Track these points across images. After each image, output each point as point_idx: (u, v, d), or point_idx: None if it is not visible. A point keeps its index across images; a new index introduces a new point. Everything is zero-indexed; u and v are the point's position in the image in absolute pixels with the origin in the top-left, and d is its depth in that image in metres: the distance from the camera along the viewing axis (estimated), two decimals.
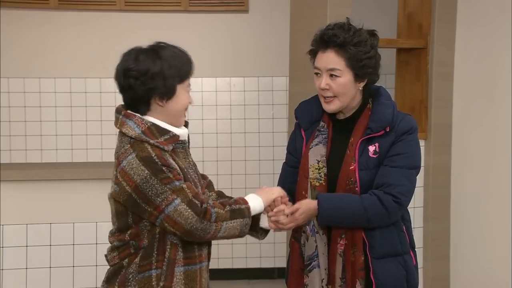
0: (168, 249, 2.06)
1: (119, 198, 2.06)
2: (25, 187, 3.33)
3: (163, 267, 2.05)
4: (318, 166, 2.30)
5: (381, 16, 4.66)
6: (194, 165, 2.24)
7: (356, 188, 2.24)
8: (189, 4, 5.05)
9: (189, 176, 2.12)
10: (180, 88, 2.09)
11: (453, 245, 3.69)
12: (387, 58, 4.16)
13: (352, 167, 2.24)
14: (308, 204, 2.24)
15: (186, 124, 2.19)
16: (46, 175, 3.39)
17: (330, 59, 2.24)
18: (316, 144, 2.34)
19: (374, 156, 2.25)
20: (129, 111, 2.09)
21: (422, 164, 3.62)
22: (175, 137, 2.09)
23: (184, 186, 2.03)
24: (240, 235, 2.14)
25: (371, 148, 2.25)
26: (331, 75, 2.25)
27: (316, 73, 2.30)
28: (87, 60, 4.94)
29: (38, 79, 4.98)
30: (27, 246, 3.33)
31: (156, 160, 2.01)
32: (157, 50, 2.07)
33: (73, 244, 3.36)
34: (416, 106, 3.73)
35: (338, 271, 2.28)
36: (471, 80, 3.56)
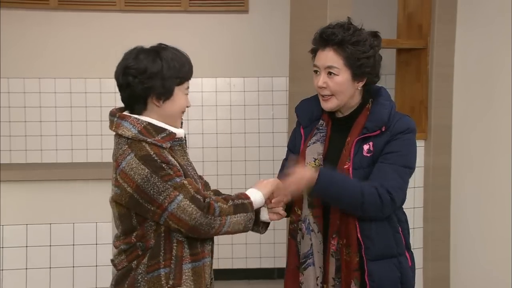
0: (174, 247, 2.07)
1: (121, 201, 2.06)
2: (25, 187, 3.33)
3: (171, 266, 2.05)
4: (315, 164, 2.30)
5: (381, 16, 4.66)
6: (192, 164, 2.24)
7: None
8: (189, 5, 5.05)
9: (189, 173, 2.12)
10: (178, 90, 2.09)
11: (453, 246, 3.69)
12: (387, 59, 4.15)
13: (347, 166, 2.25)
14: (305, 171, 2.22)
15: (181, 125, 2.20)
16: (46, 175, 3.39)
17: (328, 57, 2.25)
18: (314, 142, 2.34)
19: (368, 155, 2.25)
20: (123, 113, 2.10)
21: (422, 164, 3.64)
22: (172, 134, 2.09)
23: (185, 182, 2.03)
24: (245, 230, 2.14)
25: (365, 147, 2.26)
26: (329, 73, 2.26)
27: (315, 71, 2.31)
28: (87, 60, 4.94)
29: (38, 79, 4.98)
30: (27, 246, 3.32)
31: (155, 158, 2.01)
32: (158, 50, 2.08)
33: (73, 245, 3.36)
34: (416, 106, 3.73)
35: (331, 271, 2.28)
36: (471, 81, 3.56)
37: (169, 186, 2.00)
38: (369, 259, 2.24)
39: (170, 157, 2.05)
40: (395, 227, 2.30)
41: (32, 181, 3.35)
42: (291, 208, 2.39)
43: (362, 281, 2.25)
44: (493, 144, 3.41)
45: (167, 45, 2.12)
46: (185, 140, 2.22)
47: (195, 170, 2.24)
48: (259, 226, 2.28)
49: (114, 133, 2.11)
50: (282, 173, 2.45)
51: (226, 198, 2.13)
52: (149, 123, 2.07)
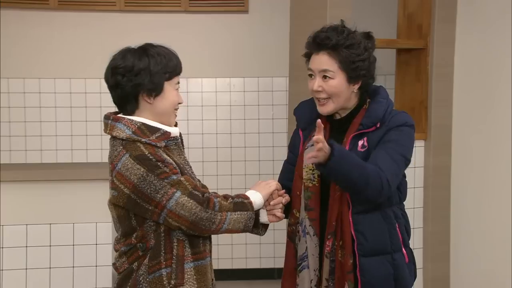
0: (175, 246, 2.07)
1: (119, 202, 2.06)
2: (25, 187, 3.33)
3: (173, 265, 2.05)
4: (312, 167, 2.29)
5: (381, 16, 4.66)
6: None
7: None
8: (189, 5, 5.05)
9: (186, 171, 2.12)
10: (168, 86, 2.11)
11: (453, 246, 3.69)
12: (387, 59, 4.18)
13: None
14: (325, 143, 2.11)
15: (176, 125, 2.21)
16: (46, 175, 3.39)
17: (323, 61, 2.24)
18: (312, 145, 2.33)
19: (362, 150, 2.25)
20: (117, 115, 2.10)
21: (422, 164, 3.64)
22: (166, 133, 2.09)
23: (182, 179, 2.03)
24: (245, 229, 2.14)
25: (360, 143, 2.25)
26: (324, 77, 2.25)
27: (310, 75, 2.30)
28: (87, 61, 4.94)
29: (38, 80, 4.98)
30: (26, 246, 3.32)
31: (150, 157, 2.01)
32: (145, 48, 2.10)
33: (73, 245, 3.36)
34: (416, 106, 3.73)
35: (325, 272, 2.27)
36: (471, 81, 3.56)
37: (166, 184, 2.00)
38: (361, 255, 2.23)
39: (165, 156, 2.05)
40: (392, 223, 2.28)
41: (32, 181, 3.35)
42: (289, 212, 2.38)
43: (356, 283, 2.24)
44: (493, 144, 3.41)
45: (154, 43, 2.13)
46: (181, 139, 2.22)
47: (192, 169, 2.24)
48: (259, 228, 2.27)
49: None
50: (283, 175, 2.46)
51: (226, 196, 2.14)
52: (143, 124, 2.07)
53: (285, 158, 2.51)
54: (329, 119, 2.36)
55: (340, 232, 2.25)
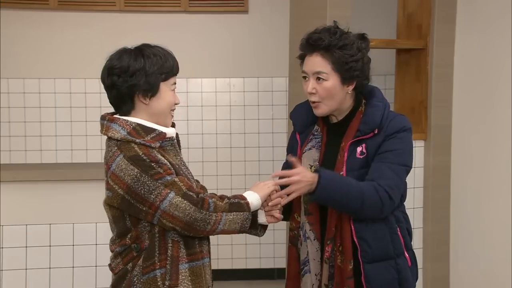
0: (170, 247, 2.06)
1: (113, 203, 2.06)
2: (24, 187, 3.33)
3: (167, 266, 2.05)
4: (311, 171, 2.29)
5: (381, 16, 4.66)
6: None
7: None
8: (188, 5, 5.05)
9: (181, 172, 2.12)
10: (164, 86, 2.10)
11: (453, 246, 3.69)
12: (387, 59, 4.18)
13: (342, 172, 2.23)
14: (305, 172, 2.17)
15: (173, 126, 2.20)
16: (45, 175, 3.39)
17: (316, 62, 2.23)
18: (310, 149, 2.33)
19: (361, 156, 2.24)
20: (113, 116, 2.10)
21: (422, 164, 3.64)
22: (161, 134, 2.09)
23: (176, 179, 2.03)
24: (241, 230, 2.13)
25: (358, 149, 2.24)
26: (318, 79, 2.24)
27: (304, 77, 2.29)
28: (87, 61, 4.94)
29: (37, 80, 4.99)
30: (26, 246, 3.32)
31: (144, 158, 2.01)
32: (141, 49, 2.10)
33: (73, 245, 3.36)
34: (415, 106, 3.73)
35: (324, 277, 2.27)
36: (471, 81, 3.56)
37: (159, 185, 2.00)
38: (365, 262, 2.22)
39: (159, 156, 2.05)
40: (393, 228, 2.28)
41: (32, 181, 3.35)
42: (290, 213, 2.37)
43: (357, 285, 2.23)
44: (493, 144, 3.41)
45: (150, 44, 2.12)
46: (178, 140, 2.22)
47: (189, 170, 2.23)
48: (257, 229, 2.27)
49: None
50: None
51: (222, 197, 2.13)
52: (138, 124, 2.07)
53: (285, 158, 2.51)
54: (326, 122, 2.35)
55: (340, 238, 2.24)
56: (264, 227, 2.29)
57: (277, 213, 2.25)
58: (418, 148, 3.63)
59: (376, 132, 2.23)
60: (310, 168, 2.30)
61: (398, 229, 2.29)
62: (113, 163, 2.03)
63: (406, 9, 3.80)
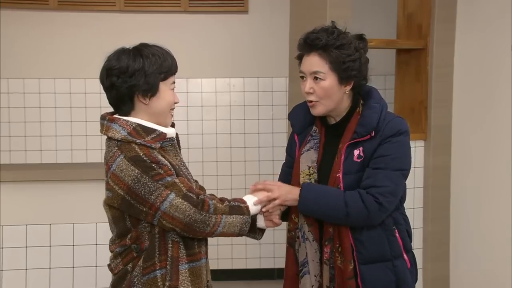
0: (170, 248, 2.06)
1: (113, 203, 2.06)
2: (24, 187, 3.33)
3: (167, 267, 2.05)
4: (309, 172, 2.29)
5: (381, 16, 4.66)
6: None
7: None
8: (188, 5, 5.05)
9: (181, 172, 2.12)
10: (163, 86, 2.09)
11: (453, 246, 3.69)
12: (387, 59, 4.18)
13: (339, 174, 2.23)
14: (288, 188, 2.26)
15: (173, 126, 2.20)
16: (45, 176, 3.39)
17: (313, 62, 2.23)
18: (308, 150, 2.33)
19: (358, 160, 2.23)
20: (113, 116, 2.10)
21: (422, 164, 3.64)
22: (162, 135, 2.09)
23: (177, 180, 2.03)
24: (240, 233, 2.13)
25: (356, 152, 2.23)
26: (315, 78, 2.24)
27: (302, 77, 2.29)
28: (87, 61, 4.94)
29: (37, 80, 4.99)
30: (26, 247, 3.32)
31: (145, 158, 2.01)
32: (140, 49, 2.09)
33: (73, 245, 3.36)
34: (415, 106, 3.73)
35: (325, 278, 2.27)
36: (471, 81, 3.56)
37: (160, 186, 2.00)
38: (361, 263, 2.23)
39: (160, 157, 2.05)
40: (390, 230, 2.27)
41: (32, 181, 3.35)
42: (288, 215, 2.38)
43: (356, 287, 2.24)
44: (493, 144, 3.41)
45: (149, 44, 2.12)
46: (177, 140, 2.22)
47: (189, 171, 2.23)
48: (256, 233, 2.28)
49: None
50: (282, 178, 2.45)
51: (222, 199, 2.13)
52: (139, 124, 2.07)
53: (285, 158, 2.51)
54: (323, 123, 2.35)
55: (338, 238, 2.24)
56: (262, 231, 2.30)
57: (276, 218, 2.28)
58: (418, 148, 3.63)
59: (373, 134, 2.23)
60: (308, 169, 2.30)
61: (396, 231, 2.29)
62: (113, 164, 2.03)
63: (406, 9, 3.80)
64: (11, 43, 4.89)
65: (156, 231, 2.06)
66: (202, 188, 2.33)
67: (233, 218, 2.08)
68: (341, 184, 2.22)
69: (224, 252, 5.01)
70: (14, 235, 3.30)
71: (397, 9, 3.87)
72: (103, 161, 2.11)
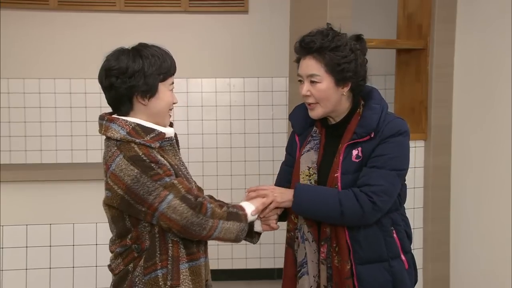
0: (170, 247, 2.06)
1: (113, 203, 2.06)
2: (25, 188, 3.33)
3: (168, 266, 2.05)
4: (309, 173, 2.29)
5: (381, 16, 4.66)
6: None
7: None
8: (189, 5, 5.05)
9: (180, 172, 2.12)
10: (162, 87, 2.09)
11: (453, 246, 3.69)
12: (387, 59, 4.18)
13: (337, 174, 2.23)
14: (281, 190, 2.28)
15: (171, 125, 2.20)
16: (46, 176, 3.39)
17: (309, 65, 2.23)
18: (308, 150, 2.33)
19: (356, 160, 2.23)
20: (112, 116, 2.10)
21: (422, 164, 3.64)
22: (161, 134, 2.09)
23: (176, 181, 2.03)
24: (236, 240, 2.14)
25: (354, 152, 2.23)
26: (312, 81, 2.24)
27: (299, 80, 2.29)
28: (87, 61, 4.93)
29: (38, 80, 4.99)
30: (27, 247, 3.32)
31: (144, 158, 2.01)
32: (139, 49, 2.09)
33: (73, 245, 3.36)
34: (416, 106, 3.73)
35: (323, 278, 2.27)
36: (471, 81, 3.56)
37: (158, 186, 2.00)
38: (357, 263, 2.23)
39: (159, 157, 2.05)
40: (387, 231, 2.26)
41: (32, 181, 3.35)
42: (287, 215, 2.38)
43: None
44: (493, 144, 3.41)
45: (147, 44, 2.12)
46: (176, 140, 2.22)
47: (188, 170, 2.24)
48: (253, 237, 2.29)
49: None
50: (282, 177, 2.46)
51: (221, 204, 2.14)
52: (138, 124, 2.07)
53: (285, 158, 2.51)
54: (324, 124, 2.35)
55: (335, 238, 2.24)
56: (259, 234, 2.32)
57: (273, 223, 2.30)
58: (418, 148, 3.63)
59: (372, 135, 2.23)
60: (309, 169, 2.30)
61: (394, 231, 2.28)
62: (112, 163, 2.03)
63: (406, 9, 3.80)
64: (11, 43, 4.89)
65: (156, 231, 2.06)
66: (200, 189, 2.33)
67: (230, 224, 2.09)
68: (339, 184, 2.22)
69: (224, 252, 5.01)
70: (14, 235, 3.30)
71: (397, 9, 3.87)
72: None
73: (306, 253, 2.29)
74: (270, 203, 2.24)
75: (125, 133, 2.04)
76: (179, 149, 2.23)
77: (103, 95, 2.12)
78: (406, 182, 2.35)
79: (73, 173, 3.45)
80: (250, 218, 2.18)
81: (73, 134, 5.03)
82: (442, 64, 3.62)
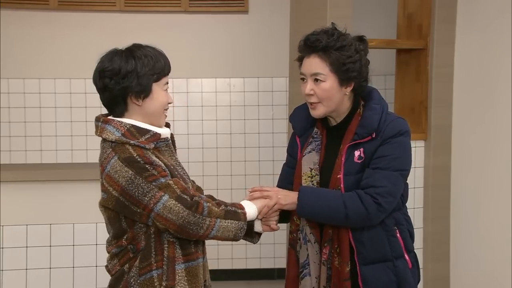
0: (165, 248, 2.06)
1: (108, 205, 2.06)
2: (25, 188, 3.33)
3: (164, 267, 2.05)
4: (311, 174, 2.29)
5: (381, 16, 4.67)
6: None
7: None
8: (189, 5, 5.05)
9: (176, 173, 2.12)
10: (156, 87, 2.09)
11: (453, 246, 3.69)
12: (387, 59, 4.18)
13: (340, 175, 2.23)
14: (285, 193, 2.27)
15: (168, 126, 2.20)
16: (46, 176, 3.39)
17: (313, 64, 2.23)
18: (310, 152, 2.33)
19: (359, 161, 2.23)
20: (108, 117, 2.10)
21: (422, 164, 3.64)
22: (156, 135, 2.09)
23: (171, 182, 2.03)
24: (235, 238, 2.13)
25: (356, 153, 2.24)
26: (316, 80, 2.23)
27: (302, 79, 2.29)
28: (87, 61, 4.86)
29: (38, 80, 4.99)
30: (27, 247, 3.32)
31: (139, 159, 2.01)
32: (132, 50, 2.09)
33: (73, 245, 3.36)
34: (416, 106, 3.73)
35: (322, 279, 2.27)
36: (471, 81, 3.56)
37: (153, 187, 2.00)
38: (362, 264, 2.23)
39: (154, 158, 2.05)
40: (390, 230, 2.27)
41: (32, 181, 3.35)
42: (289, 216, 2.38)
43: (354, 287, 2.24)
44: (493, 144, 3.41)
45: (141, 44, 2.12)
46: (172, 140, 2.22)
47: (185, 170, 2.23)
48: (253, 237, 2.29)
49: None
50: (283, 178, 2.45)
51: (219, 203, 2.13)
52: (133, 125, 2.07)
53: (285, 158, 2.50)
54: (325, 125, 2.35)
55: (338, 240, 2.24)
56: (259, 235, 2.31)
57: (274, 224, 2.30)
58: (418, 148, 3.63)
59: (373, 136, 2.23)
60: (311, 171, 2.30)
61: (397, 231, 2.29)
62: (107, 165, 2.03)
63: (406, 9, 3.80)
64: (11, 43, 4.89)
65: (151, 232, 2.06)
66: (199, 189, 2.33)
67: (227, 222, 2.08)
68: (341, 185, 2.22)
69: (224, 252, 5.01)
70: (14, 235, 3.30)
71: (397, 9, 3.87)
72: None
73: (308, 254, 2.29)
74: (274, 205, 2.24)
75: (120, 135, 2.04)
76: (175, 150, 2.23)
77: None
78: (407, 182, 2.35)
79: (73, 173, 3.45)
80: (250, 215, 2.17)
81: (73, 134, 5.03)
82: (442, 64, 3.63)
